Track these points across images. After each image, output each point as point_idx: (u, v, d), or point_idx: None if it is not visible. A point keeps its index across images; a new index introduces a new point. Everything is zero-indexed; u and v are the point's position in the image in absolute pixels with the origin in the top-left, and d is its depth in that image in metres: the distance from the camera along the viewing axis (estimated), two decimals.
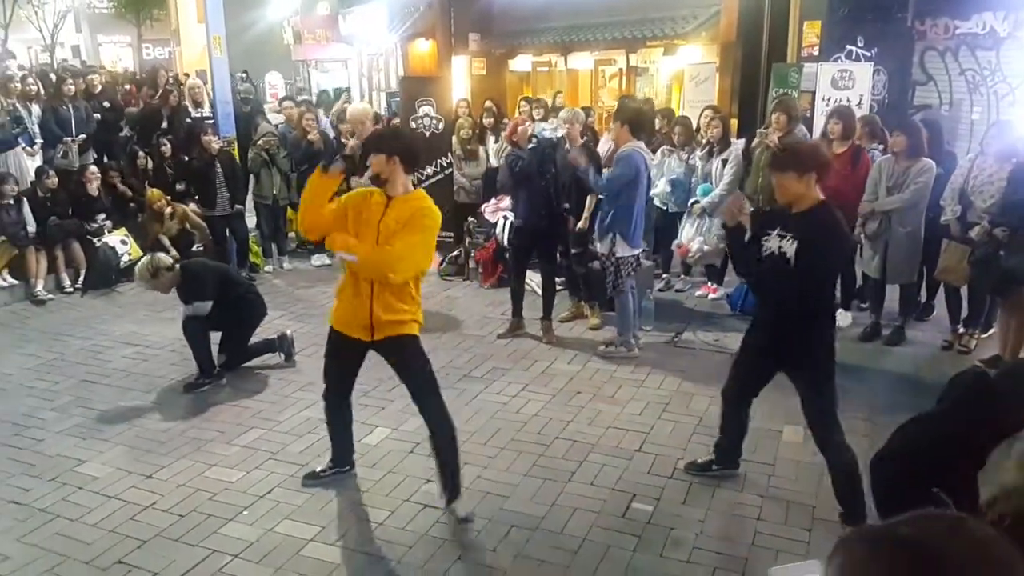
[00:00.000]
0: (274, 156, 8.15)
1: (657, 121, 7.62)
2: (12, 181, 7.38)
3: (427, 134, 8.14)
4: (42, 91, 8.53)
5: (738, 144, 6.96)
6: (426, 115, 8.20)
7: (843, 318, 6.23)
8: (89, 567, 3.49)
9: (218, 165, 7.69)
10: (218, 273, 5.66)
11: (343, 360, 3.87)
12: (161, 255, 5.55)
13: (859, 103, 8.07)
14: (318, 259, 8.45)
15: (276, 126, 8.78)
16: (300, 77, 18.95)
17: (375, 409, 5.00)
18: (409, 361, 3.73)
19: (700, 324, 6.40)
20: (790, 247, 3.40)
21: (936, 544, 0.91)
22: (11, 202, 7.25)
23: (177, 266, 5.52)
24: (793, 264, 3.38)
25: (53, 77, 9.52)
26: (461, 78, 13.78)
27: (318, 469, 4.18)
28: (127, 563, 3.51)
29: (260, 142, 8.16)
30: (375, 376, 5.42)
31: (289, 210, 8.44)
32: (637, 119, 5.55)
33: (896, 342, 5.91)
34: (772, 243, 3.49)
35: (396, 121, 8.83)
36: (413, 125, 8.17)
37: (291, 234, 9.01)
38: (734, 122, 9.29)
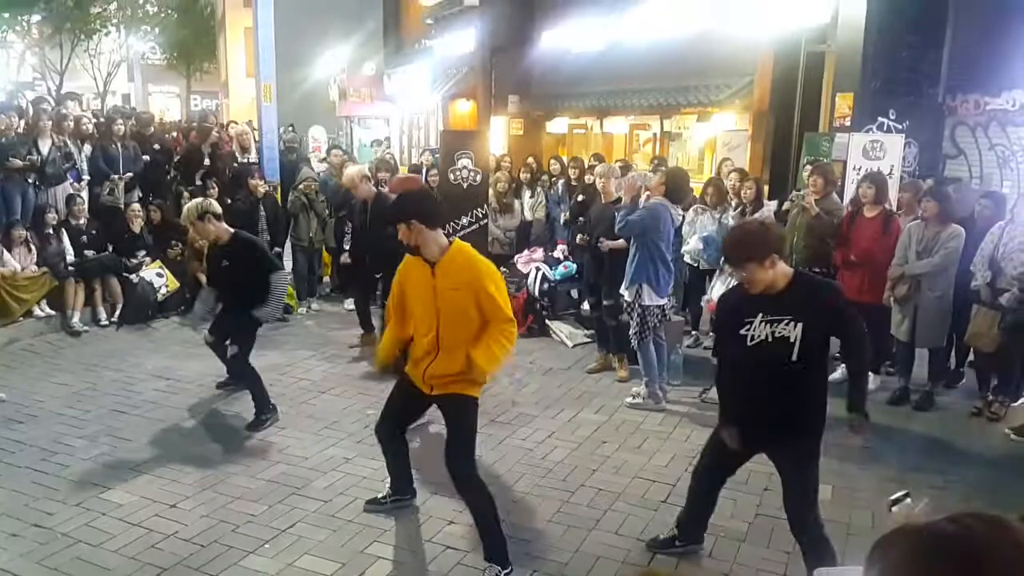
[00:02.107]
0: (313, 201, 8.38)
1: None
2: (53, 211, 7.63)
3: (464, 185, 8.32)
4: (95, 132, 8.89)
5: (770, 205, 7.03)
6: (464, 167, 8.39)
7: (871, 381, 6.15)
8: None
9: (262, 208, 7.89)
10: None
11: (405, 399, 3.91)
12: (213, 200, 5.68)
13: (890, 173, 8.12)
14: (350, 303, 8.56)
15: (319, 174, 9.03)
16: (343, 132, 19.49)
17: None
18: (455, 418, 3.70)
19: None
20: (792, 330, 3.12)
21: (980, 542, 0.90)
22: (51, 231, 7.48)
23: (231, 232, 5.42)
24: (798, 348, 3.12)
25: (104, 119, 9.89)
26: (499, 138, 14.11)
27: (379, 496, 4.27)
28: None
29: (301, 186, 8.44)
30: None
31: (324, 253, 8.62)
32: (676, 182, 5.69)
33: (925, 407, 5.82)
34: (759, 331, 3.20)
35: (435, 173, 9.02)
36: (451, 177, 8.36)
37: (325, 278, 9.18)
38: (765, 188, 9.38)
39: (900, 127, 9.35)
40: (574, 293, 7.88)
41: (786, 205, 7.38)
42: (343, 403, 5.82)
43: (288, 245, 8.77)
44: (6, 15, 24.13)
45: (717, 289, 6.83)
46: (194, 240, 7.83)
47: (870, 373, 6.13)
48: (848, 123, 9.47)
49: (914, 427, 5.57)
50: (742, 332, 3.23)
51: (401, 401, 3.93)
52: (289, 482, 4.55)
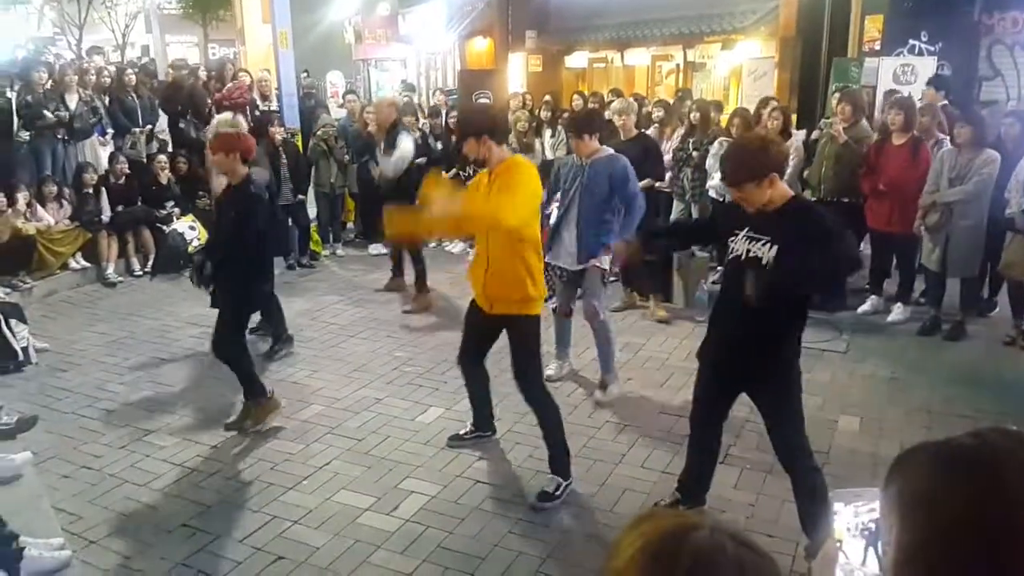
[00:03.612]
0: (332, 147, 8.39)
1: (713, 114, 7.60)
2: (91, 170, 7.75)
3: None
4: (112, 84, 8.91)
5: (798, 135, 6.89)
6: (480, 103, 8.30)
7: (900, 312, 6.13)
8: (155, 529, 3.66)
9: (283, 156, 7.92)
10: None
11: (474, 324, 4.05)
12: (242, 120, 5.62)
13: (921, 98, 7.89)
14: (375, 248, 8.65)
15: (337, 120, 9.00)
16: (360, 76, 19.26)
17: (430, 389, 5.12)
18: (516, 341, 3.86)
19: None
20: (766, 252, 2.98)
21: (998, 451, 0.88)
22: (90, 191, 7.62)
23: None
24: (769, 270, 2.98)
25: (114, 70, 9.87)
26: (517, 75, 13.90)
27: (461, 432, 4.40)
28: (191, 526, 3.67)
29: (319, 132, 8.45)
30: (431, 358, 5.61)
31: (348, 199, 8.66)
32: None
33: (956, 337, 5.78)
34: (740, 245, 3.09)
35: (455, 115, 8.93)
36: None
37: (349, 224, 9.24)
38: (793, 116, 9.19)
39: (932, 49, 9.06)
40: None
41: (815, 134, 7.24)
42: (372, 346, 5.94)
43: (311, 192, 8.82)
44: None
45: None
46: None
47: (900, 304, 6.13)
48: (878, 47, 9.20)
49: (945, 357, 5.55)
50: (729, 241, 3.15)
51: (472, 327, 4.07)
52: (323, 422, 4.69)
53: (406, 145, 7.05)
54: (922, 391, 4.95)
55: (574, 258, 4.79)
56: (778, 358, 3.13)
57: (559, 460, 3.85)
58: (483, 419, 4.38)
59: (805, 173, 6.53)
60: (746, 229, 3.09)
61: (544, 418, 3.87)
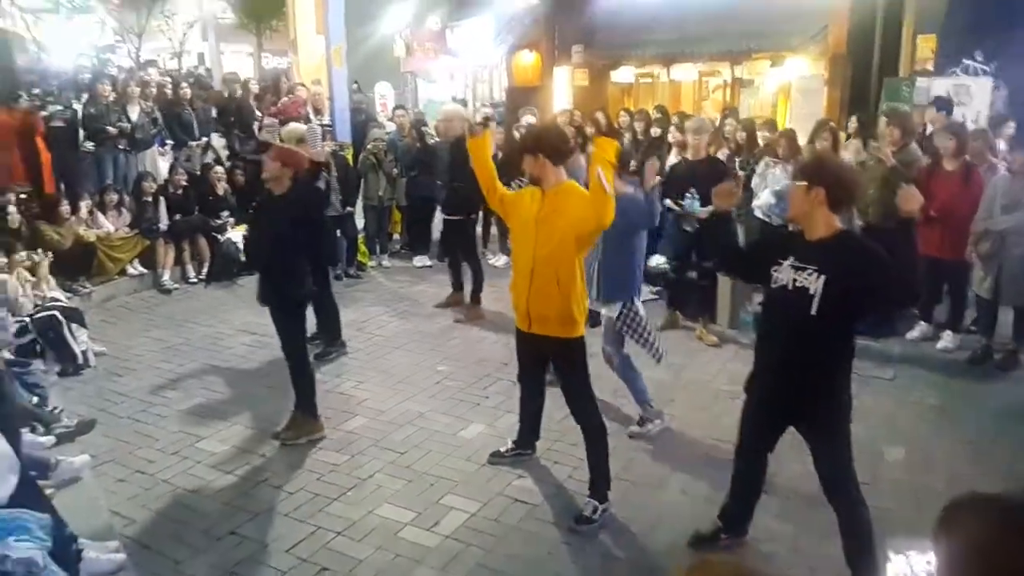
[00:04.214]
0: (381, 160, 8.57)
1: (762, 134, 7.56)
2: (150, 179, 8.03)
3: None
4: (170, 97, 9.22)
5: (847, 156, 6.81)
6: (528, 124, 8.38)
7: (950, 339, 6.02)
8: (205, 535, 3.79)
9: (333, 169, 8.09)
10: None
11: (520, 343, 4.08)
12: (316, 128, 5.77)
13: (975, 120, 7.75)
14: (420, 260, 8.80)
15: (388, 133, 9.17)
16: (408, 88, 19.54)
17: (471, 405, 5.19)
18: (559, 363, 3.94)
19: None
20: (814, 281, 2.93)
21: None
22: (149, 200, 7.89)
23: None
24: (817, 303, 2.92)
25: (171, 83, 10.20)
26: (563, 89, 13.95)
27: (502, 449, 4.45)
28: (239, 534, 3.79)
29: (369, 146, 8.65)
30: (473, 373, 5.68)
31: (395, 211, 8.84)
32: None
33: (1008, 367, 5.65)
34: (784, 275, 3.04)
35: (500, 130, 9.05)
36: (515, 134, 8.36)
37: (395, 236, 9.40)
38: (843, 136, 9.08)
39: (988, 69, 8.87)
40: None
41: (863, 156, 7.15)
42: (416, 359, 6.04)
43: (359, 204, 8.99)
44: None
45: None
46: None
47: (950, 332, 6.03)
48: (931, 67, 9.05)
49: (995, 388, 5.44)
50: (772, 271, 3.10)
51: (520, 346, 4.10)
52: (367, 434, 4.80)
53: None
54: (971, 422, 4.87)
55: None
56: (828, 389, 3.07)
57: (599, 484, 3.88)
58: (526, 438, 4.43)
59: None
60: (790, 258, 3.04)
61: (593, 445, 3.89)
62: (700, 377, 5.63)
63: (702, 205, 5.91)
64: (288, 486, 4.22)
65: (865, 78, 9.62)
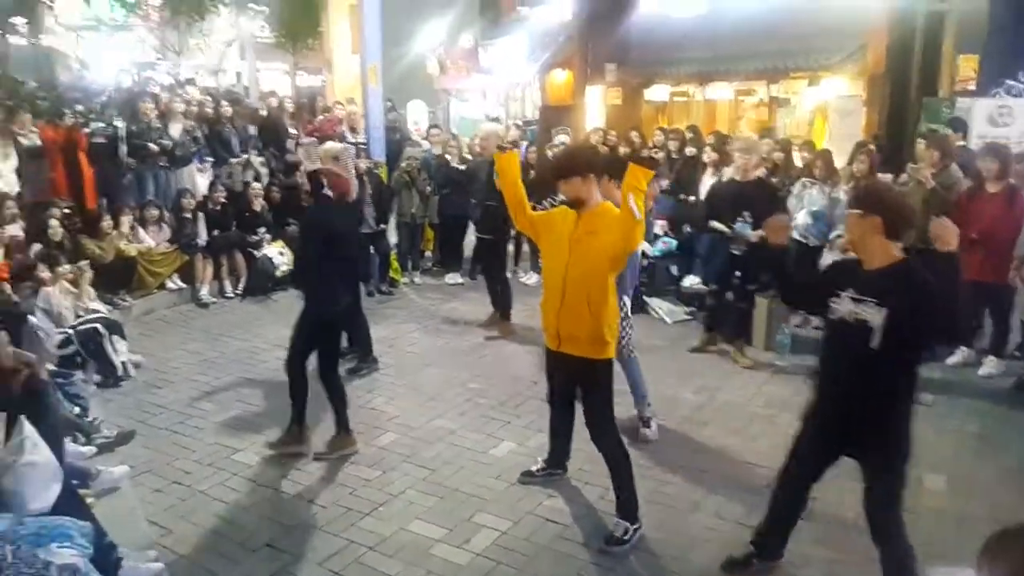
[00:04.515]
0: (415, 178, 8.66)
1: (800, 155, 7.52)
2: (189, 195, 8.20)
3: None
4: (210, 115, 9.41)
5: (885, 179, 6.75)
6: (562, 143, 8.42)
7: (993, 365, 5.90)
8: (240, 546, 3.83)
9: (368, 186, 8.20)
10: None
11: (552, 368, 4.06)
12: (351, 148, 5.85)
13: (1020, 142, 7.63)
14: (451, 278, 8.86)
15: (424, 151, 9.27)
16: (441, 106, 19.74)
17: (502, 423, 5.19)
18: (586, 387, 3.92)
19: None
20: (875, 315, 2.87)
21: None
22: (189, 215, 8.05)
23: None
24: (880, 336, 2.85)
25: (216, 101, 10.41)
26: (596, 107, 14.00)
27: (533, 468, 4.42)
28: (274, 546, 3.82)
29: (403, 164, 8.75)
30: (504, 391, 5.68)
31: (428, 229, 8.92)
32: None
33: None
34: (843, 306, 2.98)
35: (532, 149, 9.10)
36: (548, 153, 8.40)
37: (427, 253, 9.47)
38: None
39: None
40: (674, 269, 7.84)
41: (902, 178, 7.08)
42: (447, 376, 6.06)
43: (392, 220, 9.09)
44: (129, 0, 25.54)
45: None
46: None
47: (992, 357, 5.91)
48: (972, 87, 8.94)
49: None
50: (830, 302, 3.04)
51: (549, 367, 4.08)
52: (399, 450, 4.82)
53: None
54: (1014, 450, 4.75)
55: None
56: (887, 425, 2.99)
57: (628, 505, 3.85)
58: (557, 458, 4.40)
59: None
60: (849, 290, 2.98)
61: (615, 468, 3.87)
62: (735, 399, 5.57)
63: (753, 228, 5.85)
64: (321, 500, 4.25)
65: (904, 98, 9.54)
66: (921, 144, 6.96)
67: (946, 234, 2.85)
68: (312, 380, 4.80)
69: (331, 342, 4.83)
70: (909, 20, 9.41)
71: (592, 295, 3.64)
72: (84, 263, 6.66)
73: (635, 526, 3.82)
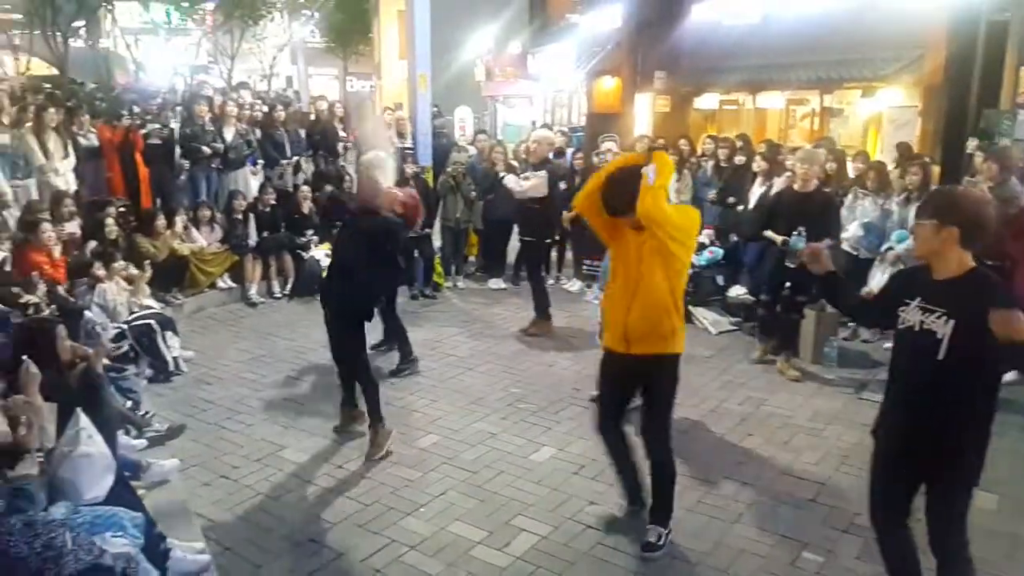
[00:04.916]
0: (460, 183, 8.73)
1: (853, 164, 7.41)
2: (241, 197, 8.38)
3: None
4: (263, 118, 9.62)
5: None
6: (608, 151, 8.39)
7: None
8: (285, 541, 3.89)
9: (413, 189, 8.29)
10: None
11: (611, 377, 3.88)
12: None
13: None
14: (495, 283, 8.90)
15: (469, 157, 9.34)
16: (487, 112, 19.89)
17: (543, 428, 5.19)
18: (656, 386, 3.73)
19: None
20: (943, 326, 2.76)
21: None
22: (240, 216, 8.23)
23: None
24: (945, 348, 2.74)
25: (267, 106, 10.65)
26: (644, 115, 13.94)
27: (616, 513, 4.05)
28: (318, 542, 3.88)
29: (449, 169, 8.85)
30: (545, 396, 5.69)
31: (472, 234, 8.97)
32: None
33: None
34: (912, 316, 2.87)
35: (579, 155, 9.11)
36: (595, 160, 8.39)
37: (471, 258, 9.53)
38: (936, 168, 8.78)
39: None
40: (719, 279, 7.76)
41: (959, 190, 6.91)
42: (488, 380, 6.08)
43: (437, 225, 9.18)
44: (185, 4, 26.26)
45: (878, 279, 6.55)
46: None
47: None
48: None
49: None
50: (899, 311, 2.92)
51: (608, 382, 3.89)
52: (440, 452, 4.85)
53: (537, 181, 7.20)
54: None
55: None
56: (955, 441, 2.84)
57: (661, 512, 3.81)
58: (633, 493, 4.06)
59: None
60: (918, 299, 2.87)
61: (661, 477, 3.80)
62: (780, 412, 5.49)
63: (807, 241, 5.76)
64: (363, 498, 4.30)
65: (962, 110, 9.27)
66: (979, 156, 6.79)
67: (1011, 328, 2.55)
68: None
69: (362, 333, 5.00)
70: (970, 30, 9.15)
71: (665, 290, 3.52)
72: (145, 263, 6.87)
73: (668, 530, 3.80)
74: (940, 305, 2.79)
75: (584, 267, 8.84)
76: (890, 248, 6.50)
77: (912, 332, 2.86)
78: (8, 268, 6.00)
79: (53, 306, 5.47)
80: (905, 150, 8.53)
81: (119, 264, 6.62)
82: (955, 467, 2.87)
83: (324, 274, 5.72)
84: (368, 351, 5.19)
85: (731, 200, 8.06)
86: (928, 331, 2.79)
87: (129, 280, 6.63)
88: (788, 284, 6.02)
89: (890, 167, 7.10)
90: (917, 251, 2.98)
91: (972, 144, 8.30)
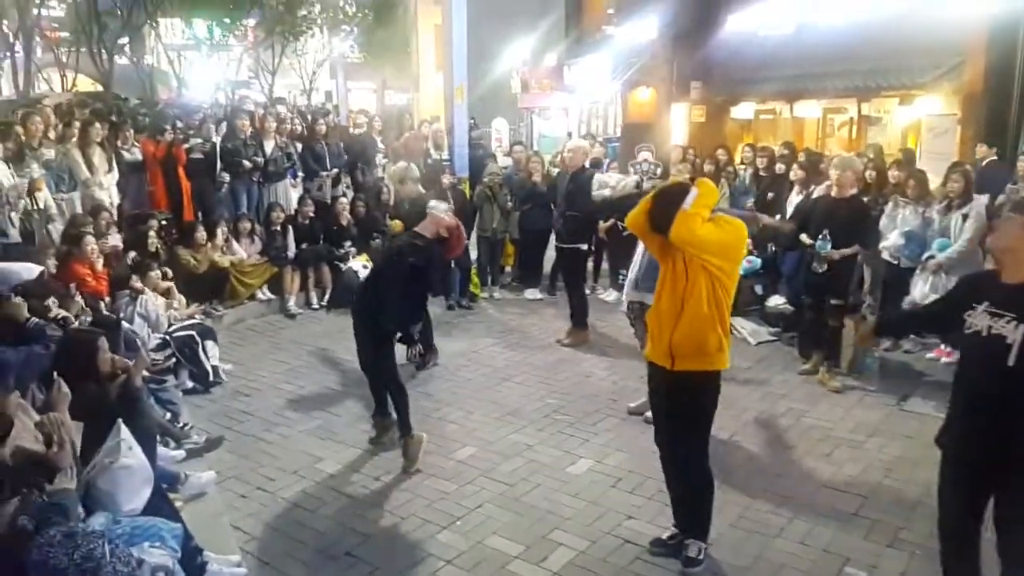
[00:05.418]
0: (496, 193, 8.75)
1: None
2: (279, 209, 8.50)
3: (645, 180, 8.27)
4: (303, 132, 9.75)
5: (981, 199, 6.45)
6: (644, 160, 8.35)
7: None
8: (321, 554, 3.90)
9: (450, 200, 8.32)
10: None
11: (658, 393, 3.81)
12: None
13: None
14: (531, 293, 8.89)
15: (504, 168, 9.36)
16: (523, 123, 19.93)
17: (580, 440, 5.15)
18: (695, 401, 3.65)
19: (929, 390, 5.88)
20: (1013, 331, 2.71)
21: None
22: (279, 229, 8.34)
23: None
24: (1016, 353, 2.68)
25: (310, 118, 10.80)
26: (680, 125, 13.86)
27: (664, 536, 3.92)
28: (353, 555, 3.88)
29: (485, 179, 8.88)
30: (582, 408, 5.65)
31: (508, 244, 8.98)
32: None
33: None
34: (979, 320, 2.82)
35: (615, 165, 9.08)
36: (631, 170, 8.35)
37: (507, 268, 9.53)
38: None
39: None
40: (758, 289, 7.65)
41: (1000, 199, 6.77)
42: (525, 391, 6.06)
43: (474, 235, 9.20)
44: (227, 20, 26.77)
45: (920, 288, 6.40)
46: (394, 233, 8.41)
47: None
48: None
49: None
50: (965, 316, 2.89)
51: (656, 396, 3.88)
52: (476, 464, 4.83)
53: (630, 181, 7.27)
54: None
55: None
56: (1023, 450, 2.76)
57: (700, 526, 3.76)
58: (686, 520, 3.89)
59: (988, 241, 6.08)
60: (985, 304, 2.83)
61: (701, 493, 3.76)
62: (821, 423, 5.38)
63: (835, 246, 5.69)
64: (400, 511, 4.30)
65: (1002, 118, 9.08)
66: (1021, 162, 6.63)
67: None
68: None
69: (391, 347, 5.08)
70: (1010, 37, 8.96)
71: (712, 306, 3.47)
72: (162, 270, 7.02)
73: (707, 545, 3.75)
74: (1010, 309, 2.76)
75: (620, 277, 8.78)
76: (931, 256, 6.35)
77: (980, 337, 2.82)
78: (52, 279, 6.12)
79: (83, 317, 5.50)
80: (909, 157, 8.38)
81: (154, 274, 6.76)
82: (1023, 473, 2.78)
83: (362, 285, 5.79)
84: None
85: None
86: (997, 336, 2.76)
87: (166, 293, 6.75)
88: (808, 289, 6.11)
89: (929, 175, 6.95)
90: (996, 242, 2.94)
91: (982, 150, 8.22)
